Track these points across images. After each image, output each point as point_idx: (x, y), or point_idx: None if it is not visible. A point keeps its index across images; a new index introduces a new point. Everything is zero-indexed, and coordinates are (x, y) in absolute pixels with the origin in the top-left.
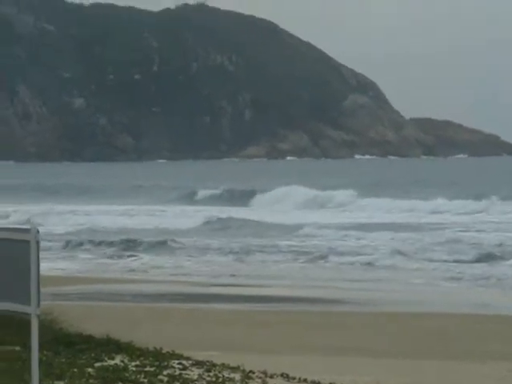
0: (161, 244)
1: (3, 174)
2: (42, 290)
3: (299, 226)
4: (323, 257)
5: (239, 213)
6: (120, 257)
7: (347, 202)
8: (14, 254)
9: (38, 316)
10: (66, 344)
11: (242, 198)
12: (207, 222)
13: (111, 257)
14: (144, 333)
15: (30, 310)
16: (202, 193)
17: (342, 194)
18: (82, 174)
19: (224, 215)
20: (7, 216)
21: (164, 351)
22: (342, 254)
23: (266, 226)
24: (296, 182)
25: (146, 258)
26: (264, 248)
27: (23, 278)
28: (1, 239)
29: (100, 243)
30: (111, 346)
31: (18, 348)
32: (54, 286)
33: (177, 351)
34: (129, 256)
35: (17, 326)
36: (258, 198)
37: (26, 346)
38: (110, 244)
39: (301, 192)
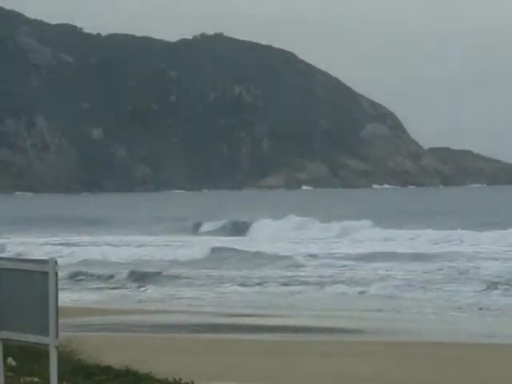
0: (170, 275)
1: (20, 205)
2: (60, 321)
3: (311, 256)
4: (334, 287)
5: (248, 243)
6: (132, 288)
7: (360, 232)
8: (33, 285)
9: (57, 347)
10: (85, 375)
11: (252, 228)
12: (215, 253)
13: (123, 288)
14: (163, 363)
15: (49, 340)
16: (210, 224)
17: (355, 224)
18: (98, 205)
19: (234, 246)
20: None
21: (183, 382)
22: (353, 283)
23: (275, 257)
24: (309, 211)
25: (157, 289)
26: (274, 279)
27: (42, 309)
28: (20, 270)
29: (111, 274)
30: (130, 376)
31: (36, 379)
32: (69, 318)
33: (196, 382)
34: (139, 287)
35: (36, 357)
36: (270, 228)
37: (45, 377)
38: (121, 275)
39: (313, 222)
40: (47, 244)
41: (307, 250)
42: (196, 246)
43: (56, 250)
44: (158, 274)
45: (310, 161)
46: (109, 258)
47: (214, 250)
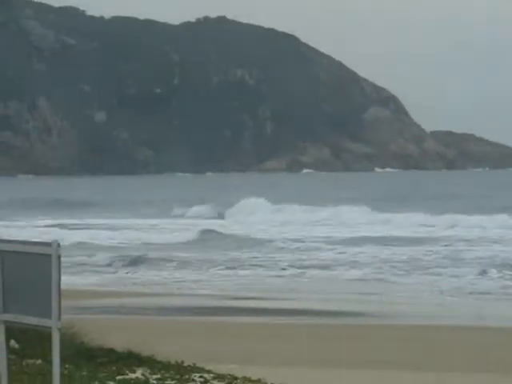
0: (161, 257)
1: (21, 187)
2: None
3: (304, 240)
4: (335, 270)
5: (239, 227)
6: (126, 271)
7: (355, 215)
8: (36, 268)
9: (59, 329)
10: (88, 357)
11: (245, 211)
12: (205, 236)
13: (118, 271)
14: (165, 346)
15: (51, 323)
16: (199, 207)
17: (350, 208)
18: (98, 188)
19: (228, 231)
20: None
21: (185, 364)
22: (351, 267)
23: (268, 240)
24: (305, 194)
25: (151, 272)
26: (272, 262)
27: (44, 292)
28: (22, 253)
29: (105, 257)
30: (132, 359)
31: (39, 361)
32: (69, 300)
33: (198, 364)
34: (134, 269)
35: (38, 339)
36: (262, 211)
37: (48, 360)
38: (115, 258)
39: (310, 207)
40: (40, 226)
41: (300, 234)
42: (184, 229)
43: (51, 231)
44: (151, 256)
45: (313, 144)
46: (102, 240)
47: (204, 233)
